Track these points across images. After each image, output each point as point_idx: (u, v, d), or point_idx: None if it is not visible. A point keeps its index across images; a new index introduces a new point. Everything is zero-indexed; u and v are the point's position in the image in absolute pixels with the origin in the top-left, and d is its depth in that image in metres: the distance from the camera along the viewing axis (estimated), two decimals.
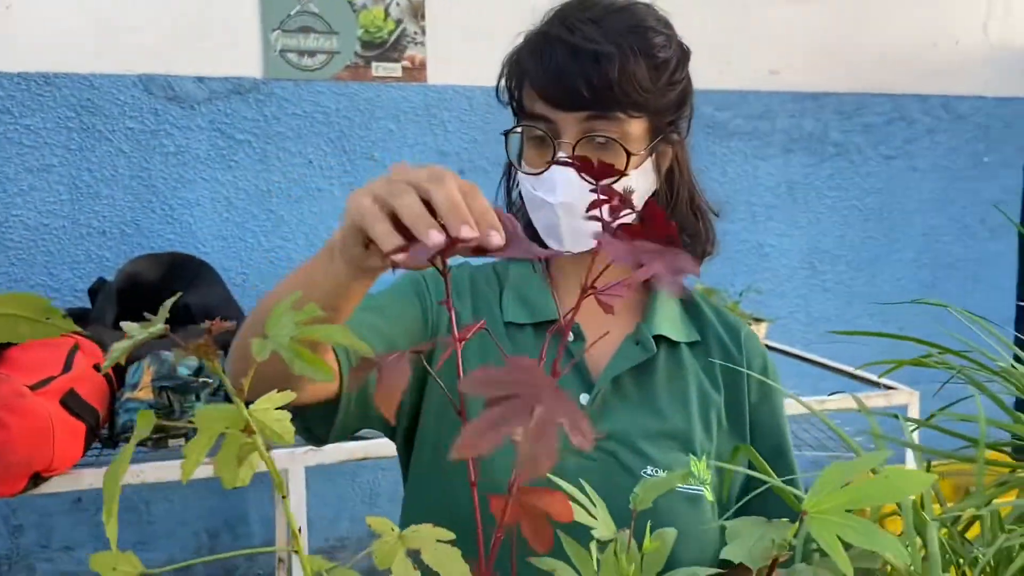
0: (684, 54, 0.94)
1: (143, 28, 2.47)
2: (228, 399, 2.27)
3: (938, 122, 3.36)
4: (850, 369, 2.34)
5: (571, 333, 0.94)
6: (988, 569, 0.49)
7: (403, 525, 0.48)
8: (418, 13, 2.73)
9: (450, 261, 0.56)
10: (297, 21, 2.61)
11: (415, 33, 2.73)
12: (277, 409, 0.45)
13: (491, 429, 0.33)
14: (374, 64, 2.71)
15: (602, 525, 0.50)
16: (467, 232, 0.55)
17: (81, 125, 2.44)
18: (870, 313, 3.35)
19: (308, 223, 2.71)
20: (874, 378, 2.25)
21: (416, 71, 2.75)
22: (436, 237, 0.55)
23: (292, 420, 0.46)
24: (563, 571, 0.51)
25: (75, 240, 2.47)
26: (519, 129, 0.94)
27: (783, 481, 0.89)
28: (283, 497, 0.46)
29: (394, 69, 2.73)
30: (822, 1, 3.13)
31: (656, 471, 0.87)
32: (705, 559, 0.84)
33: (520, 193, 0.99)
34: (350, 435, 0.91)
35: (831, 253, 3.28)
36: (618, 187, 0.88)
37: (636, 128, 0.90)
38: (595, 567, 0.49)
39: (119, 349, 0.41)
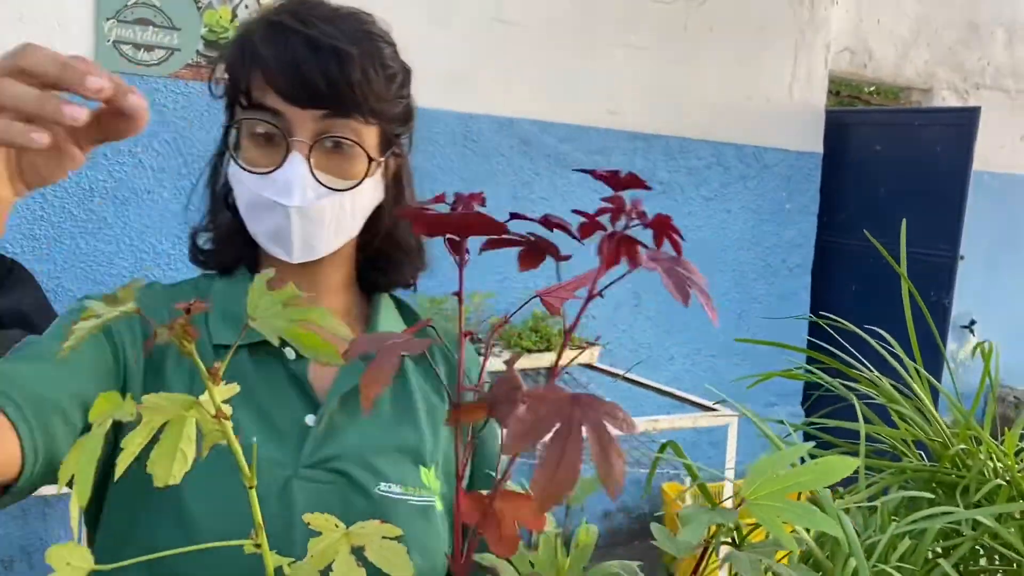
0: (407, 71, 0.90)
1: None
2: None
3: (749, 169, 3.69)
4: (678, 392, 2.51)
5: (291, 351, 0.88)
6: (883, 553, 0.56)
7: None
8: None
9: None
10: (135, 12, 2.46)
11: None
12: None
13: (560, 466, 0.34)
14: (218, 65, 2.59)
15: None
16: (95, 82, 0.51)
17: None
18: (685, 341, 3.60)
19: (134, 227, 2.54)
20: (697, 399, 2.42)
21: None
22: (72, 110, 0.50)
23: None
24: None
25: None
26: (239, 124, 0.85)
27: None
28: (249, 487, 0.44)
29: None
30: (655, 49, 3.37)
31: (389, 486, 0.86)
32: (437, 569, 0.86)
33: (226, 194, 0.91)
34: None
35: (655, 285, 3.49)
36: (359, 195, 0.85)
37: (369, 136, 0.86)
38: None
39: None
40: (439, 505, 0.88)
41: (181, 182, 2.58)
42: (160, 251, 2.56)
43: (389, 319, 0.96)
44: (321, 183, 0.83)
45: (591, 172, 0.43)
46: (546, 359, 2.82)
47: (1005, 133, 4.66)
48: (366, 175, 0.86)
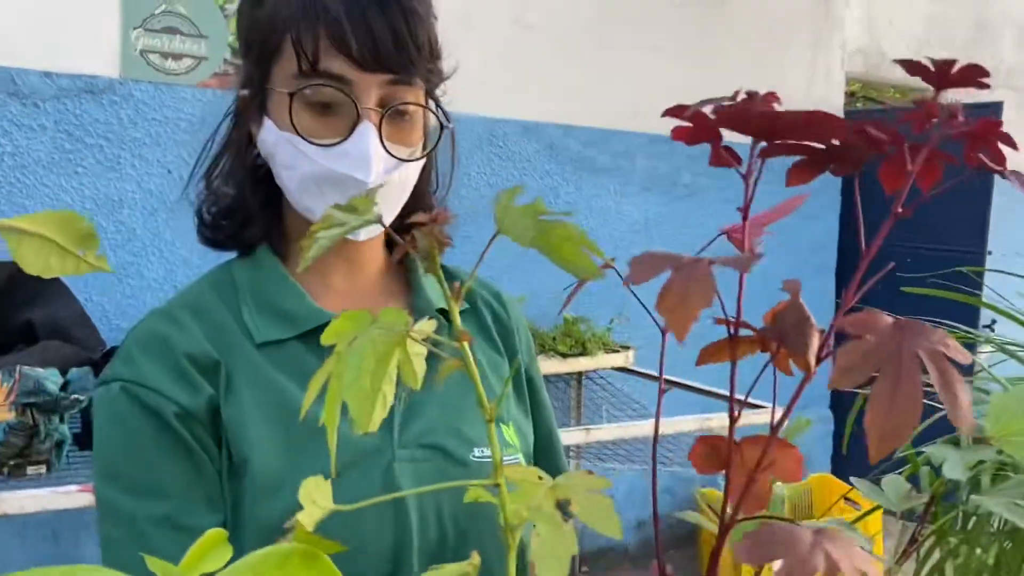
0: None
1: None
2: (87, 421, 2.02)
3: (767, 171, 3.67)
4: (718, 391, 2.47)
5: None
6: None
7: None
8: None
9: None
10: (162, 21, 2.43)
11: None
12: None
13: (896, 399, 0.30)
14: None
15: None
16: None
17: None
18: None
19: (164, 238, 2.50)
20: (739, 397, 2.38)
21: None
22: None
23: None
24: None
25: None
26: (289, 92, 0.75)
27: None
28: None
29: None
30: (674, 51, 3.36)
31: (482, 451, 0.82)
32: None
33: (255, 169, 0.82)
34: None
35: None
36: (415, 165, 0.79)
37: (422, 101, 0.80)
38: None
39: None
40: (523, 462, 0.84)
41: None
42: (189, 262, 2.52)
43: (431, 281, 0.89)
44: (391, 154, 0.78)
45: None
46: (581, 363, 2.78)
47: (1016, 132, 4.65)
48: (436, 143, 0.82)
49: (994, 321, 4.74)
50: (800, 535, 0.33)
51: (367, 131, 0.76)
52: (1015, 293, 0.91)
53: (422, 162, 0.84)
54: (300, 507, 0.36)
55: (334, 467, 0.40)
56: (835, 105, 3.85)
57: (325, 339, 0.37)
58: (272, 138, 0.78)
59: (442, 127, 0.82)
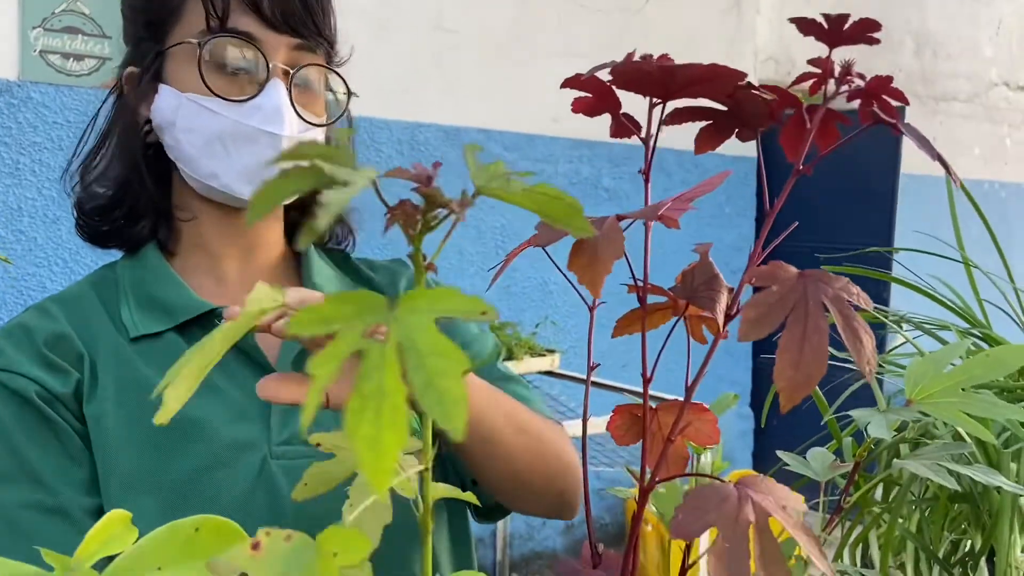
0: None
1: None
2: None
3: (689, 175, 3.74)
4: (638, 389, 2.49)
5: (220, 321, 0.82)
6: None
7: None
8: None
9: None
10: (62, 20, 2.32)
11: None
12: None
13: (804, 349, 0.30)
14: None
15: None
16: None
17: None
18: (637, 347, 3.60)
19: (67, 247, 2.38)
20: (662, 395, 2.41)
21: None
22: None
23: None
24: None
25: None
26: (195, 46, 0.74)
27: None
28: None
29: None
30: (593, 57, 3.39)
31: None
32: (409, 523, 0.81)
33: (147, 149, 0.79)
34: None
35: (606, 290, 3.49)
36: (320, 136, 0.77)
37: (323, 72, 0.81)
38: None
39: None
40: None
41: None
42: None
43: (321, 269, 0.87)
44: (301, 117, 0.76)
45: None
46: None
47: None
48: (340, 115, 0.81)
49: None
50: (726, 492, 0.32)
51: (278, 86, 0.74)
52: (927, 274, 0.94)
53: (323, 132, 0.81)
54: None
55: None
56: None
57: (295, 327, 0.34)
58: (172, 102, 0.75)
59: (349, 95, 0.81)
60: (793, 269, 0.34)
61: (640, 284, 0.40)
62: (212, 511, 0.34)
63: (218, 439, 0.72)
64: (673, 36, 3.66)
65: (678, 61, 0.43)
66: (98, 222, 0.82)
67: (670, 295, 0.39)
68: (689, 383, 0.41)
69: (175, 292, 0.78)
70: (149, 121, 0.78)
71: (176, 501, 0.70)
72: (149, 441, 0.72)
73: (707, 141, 0.42)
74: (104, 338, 0.76)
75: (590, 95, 0.41)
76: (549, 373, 2.83)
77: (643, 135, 0.41)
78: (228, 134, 0.74)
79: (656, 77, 0.38)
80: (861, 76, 0.38)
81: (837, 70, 0.37)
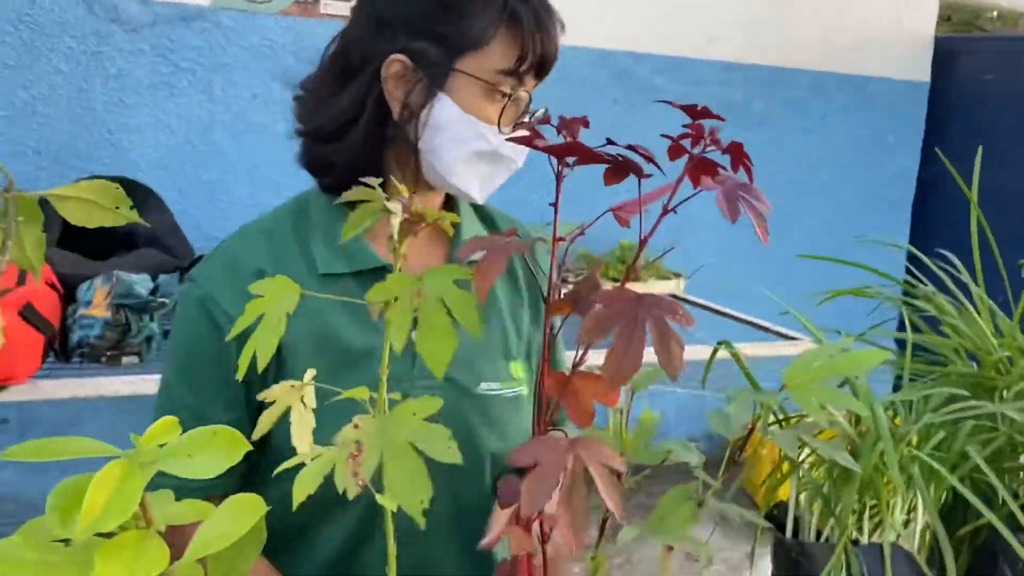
0: None
1: None
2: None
3: (851, 100, 3.59)
4: (761, 322, 2.56)
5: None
6: (914, 442, 0.63)
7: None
8: None
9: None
10: None
11: None
12: None
13: (627, 353, 0.44)
14: (323, 1, 2.71)
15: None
16: None
17: (19, 41, 2.38)
18: (779, 271, 3.59)
19: (250, 158, 2.72)
20: (781, 329, 2.46)
21: None
22: None
23: None
24: None
25: (8, 159, 2.41)
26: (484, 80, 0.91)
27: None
28: None
29: (343, 8, 2.74)
30: None
31: (488, 384, 0.95)
32: None
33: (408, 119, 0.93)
34: None
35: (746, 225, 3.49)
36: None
37: None
38: None
39: None
40: (525, 391, 0.99)
41: (289, 115, 2.73)
42: (274, 180, 2.74)
43: (471, 229, 1.04)
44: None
45: (672, 103, 0.51)
46: (635, 288, 2.89)
47: None
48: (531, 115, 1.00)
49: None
50: (557, 443, 0.48)
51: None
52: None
53: None
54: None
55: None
56: (926, 32, 3.70)
57: (372, 296, 0.52)
58: (452, 115, 0.92)
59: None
60: (634, 293, 0.47)
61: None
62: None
63: (373, 372, 0.91)
64: None
65: None
66: (324, 165, 0.99)
67: (569, 297, 0.53)
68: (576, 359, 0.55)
69: (358, 242, 0.94)
70: (407, 106, 0.93)
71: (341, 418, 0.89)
72: (325, 369, 0.85)
73: (609, 179, 0.54)
74: (294, 270, 0.92)
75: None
76: (673, 296, 2.93)
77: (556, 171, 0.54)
78: (486, 153, 0.94)
79: (564, 150, 0.52)
80: (718, 143, 0.50)
81: None
